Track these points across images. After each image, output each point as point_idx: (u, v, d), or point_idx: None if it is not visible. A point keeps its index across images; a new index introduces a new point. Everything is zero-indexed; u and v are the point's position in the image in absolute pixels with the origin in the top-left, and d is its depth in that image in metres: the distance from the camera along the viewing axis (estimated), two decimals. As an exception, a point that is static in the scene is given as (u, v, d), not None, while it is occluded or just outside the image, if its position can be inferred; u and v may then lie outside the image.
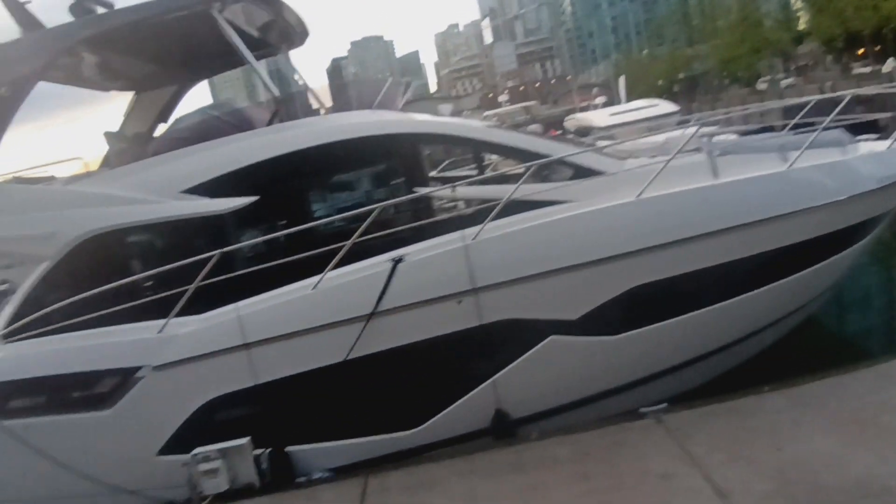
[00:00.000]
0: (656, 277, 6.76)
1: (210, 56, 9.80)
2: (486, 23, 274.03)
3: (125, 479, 6.99)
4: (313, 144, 6.96)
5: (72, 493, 7.06)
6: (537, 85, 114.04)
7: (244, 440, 6.66)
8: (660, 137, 9.78)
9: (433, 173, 9.21)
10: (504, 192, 6.85)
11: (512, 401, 6.90)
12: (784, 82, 58.70)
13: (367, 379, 6.80)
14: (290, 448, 6.95)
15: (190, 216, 7.04)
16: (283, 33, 9.26)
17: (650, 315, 6.86)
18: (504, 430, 6.95)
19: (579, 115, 31.47)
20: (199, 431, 6.86)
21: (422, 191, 7.05)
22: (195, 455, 6.62)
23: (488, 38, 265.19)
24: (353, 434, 6.94)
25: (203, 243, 7.29)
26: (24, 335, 7.02)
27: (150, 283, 7.25)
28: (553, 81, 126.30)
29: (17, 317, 7.19)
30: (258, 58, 10.24)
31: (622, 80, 39.03)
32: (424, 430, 6.93)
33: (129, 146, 8.40)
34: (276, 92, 7.35)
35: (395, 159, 7.32)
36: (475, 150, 7.27)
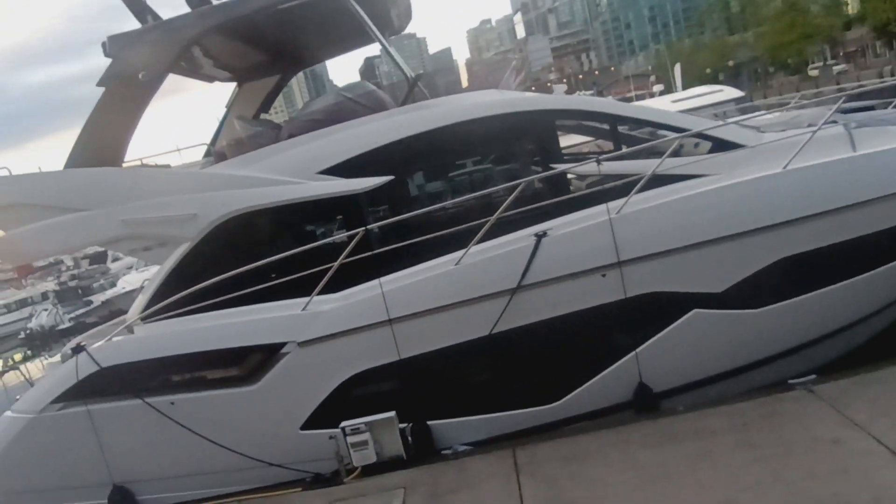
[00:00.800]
0: (802, 249, 6.69)
1: (317, 44, 9.99)
2: (518, 17, 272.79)
3: (268, 453, 7.15)
4: (450, 123, 7.01)
5: (217, 468, 7.26)
6: (581, 77, 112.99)
7: (390, 413, 6.76)
8: (772, 115, 9.63)
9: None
10: (642, 167, 6.85)
11: (654, 374, 6.90)
12: (836, 68, 57.44)
13: (510, 353, 6.85)
14: (431, 422, 7.04)
15: (327, 196, 7.15)
16: (385, 18, 9.33)
17: (795, 287, 6.79)
18: (646, 403, 6.94)
19: (637, 104, 31.09)
20: (341, 406, 6.98)
21: (564, 167, 7.08)
22: (344, 428, 6.75)
23: (521, 32, 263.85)
24: (494, 408, 6.99)
25: (340, 223, 7.45)
26: (165, 315, 7.24)
27: (284, 263, 7.36)
28: (597, 73, 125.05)
29: (156, 297, 7.42)
30: (359, 44, 10.44)
31: (678, 68, 38.43)
32: (565, 404, 6.96)
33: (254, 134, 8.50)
34: (410, 73, 7.40)
35: (532, 136, 7.35)
36: (610, 124, 7.25)
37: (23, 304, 34.99)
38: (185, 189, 7.41)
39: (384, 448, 6.82)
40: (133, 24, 7.89)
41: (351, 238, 6.78)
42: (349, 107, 7.44)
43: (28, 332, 29.07)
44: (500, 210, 6.60)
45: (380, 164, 7.09)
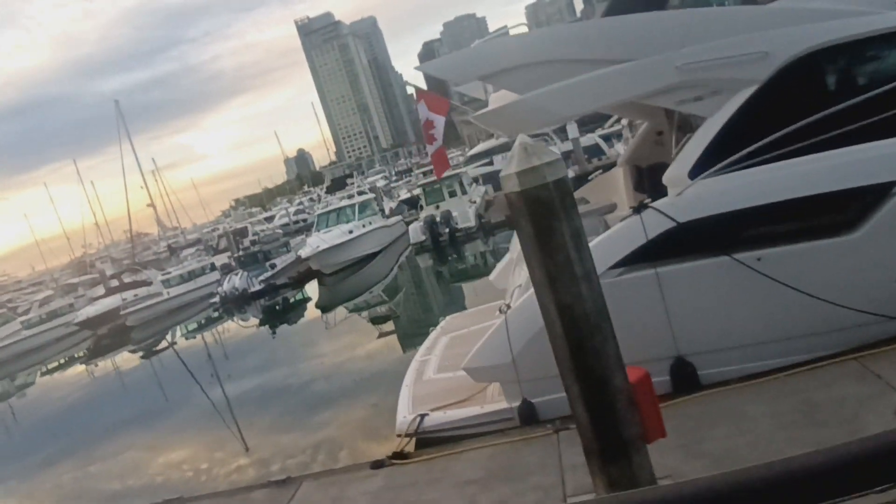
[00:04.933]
0: None
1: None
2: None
3: (865, 306, 6.44)
4: None
5: (801, 331, 6.62)
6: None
7: None
8: None
9: None
10: None
11: None
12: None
13: None
14: None
15: None
16: None
17: None
18: None
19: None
20: None
21: None
22: None
23: (580, 5, 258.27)
24: None
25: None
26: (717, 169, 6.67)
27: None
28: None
29: (711, 148, 6.82)
30: None
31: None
32: None
33: None
34: None
35: None
36: None
37: (192, 275, 35.79)
38: (749, 27, 6.76)
39: None
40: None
41: None
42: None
43: (223, 295, 29.54)
44: None
45: None
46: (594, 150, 37.50)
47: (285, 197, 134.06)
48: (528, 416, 7.20)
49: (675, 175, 7.14)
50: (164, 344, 29.14)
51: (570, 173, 27.97)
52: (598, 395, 4.50)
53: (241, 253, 32.60)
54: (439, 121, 9.25)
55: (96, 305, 35.24)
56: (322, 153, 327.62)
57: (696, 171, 6.86)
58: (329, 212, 32.51)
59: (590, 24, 7.33)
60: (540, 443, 6.62)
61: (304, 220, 53.54)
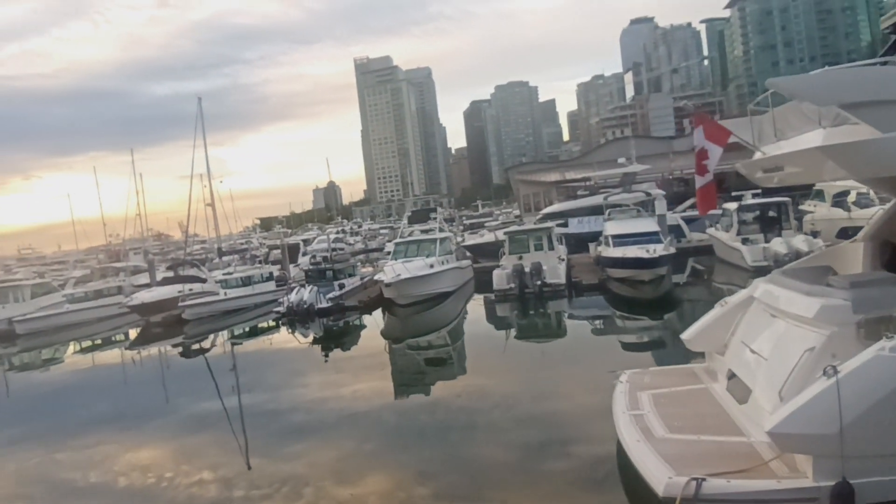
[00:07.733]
0: None
1: None
2: (629, 77, 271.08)
3: None
4: None
5: None
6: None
7: None
8: None
9: None
10: None
11: None
12: None
13: None
14: None
15: None
16: None
17: None
18: None
19: None
20: None
21: None
22: None
23: (630, 92, 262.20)
24: None
25: None
26: None
27: None
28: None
29: None
30: None
31: None
32: None
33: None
34: None
35: None
36: None
37: (250, 280, 34.97)
38: None
39: None
40: None
41: None
42: None
43: (290, 306, 28.59)
44: None
45: None
46: (675, 231, 36.58)
47: (315, 224, 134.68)
48: (844, 498, 6.17)
49: None
50: (214, 343, 28.13)
51: (671, 249, 27.07)
52: None
53: (310, 267, 31.83)
54: (715, 151, 8.41)
55: (153, 292, 34.36)
56: (350, 189, 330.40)
57: None
58: (409, 242, 31.74)
59: None
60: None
61: (342, 250, 52.82)
